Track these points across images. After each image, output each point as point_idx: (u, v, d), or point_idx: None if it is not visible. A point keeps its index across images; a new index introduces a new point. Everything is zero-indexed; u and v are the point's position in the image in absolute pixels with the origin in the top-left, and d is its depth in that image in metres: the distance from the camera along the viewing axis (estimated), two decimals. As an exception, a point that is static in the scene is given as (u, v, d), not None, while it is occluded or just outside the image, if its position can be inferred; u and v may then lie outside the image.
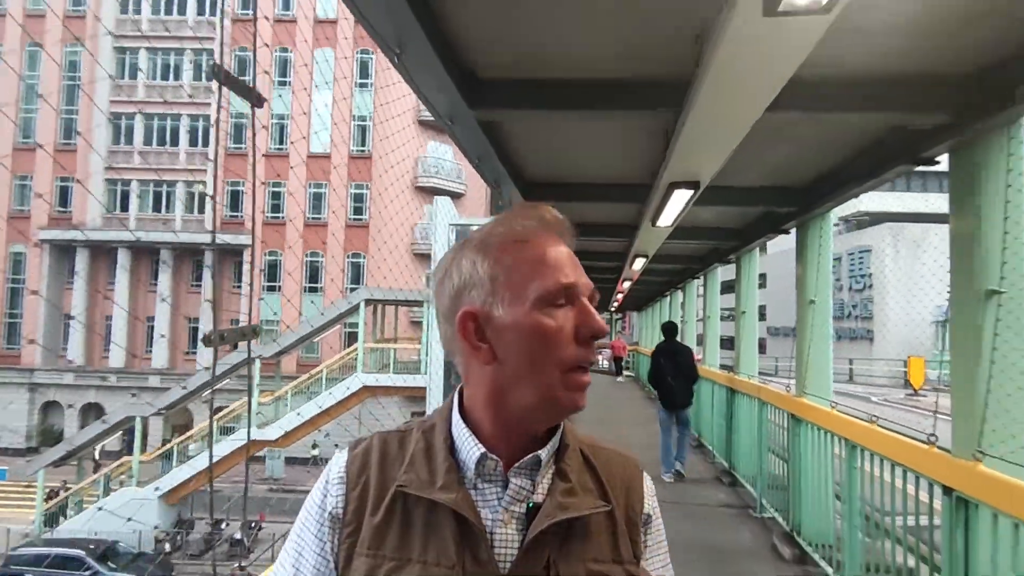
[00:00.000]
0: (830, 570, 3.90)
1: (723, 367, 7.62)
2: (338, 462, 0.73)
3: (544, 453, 0.72)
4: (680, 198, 3.96)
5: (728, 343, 8.35)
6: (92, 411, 26.11)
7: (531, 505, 0.70)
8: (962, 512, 2.40)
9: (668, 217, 4.30)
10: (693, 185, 3.47)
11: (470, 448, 0.70)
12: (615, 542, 0.72)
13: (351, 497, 0.70)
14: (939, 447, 2.47)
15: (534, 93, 2.83)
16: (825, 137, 3.47)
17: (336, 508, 0.70)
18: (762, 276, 6.79)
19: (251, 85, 2.66)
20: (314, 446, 21.93)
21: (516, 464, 0.70)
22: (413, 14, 2.15)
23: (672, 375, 5.94)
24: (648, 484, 0.79)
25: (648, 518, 0.77)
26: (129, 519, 14.31)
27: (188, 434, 18.90)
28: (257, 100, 2.49)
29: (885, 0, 2.01)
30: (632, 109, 2.93)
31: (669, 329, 6.21)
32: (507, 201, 5.17)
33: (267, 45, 24.66)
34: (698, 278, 9.15)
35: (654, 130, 3.27)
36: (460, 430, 0.72)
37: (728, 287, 8.41)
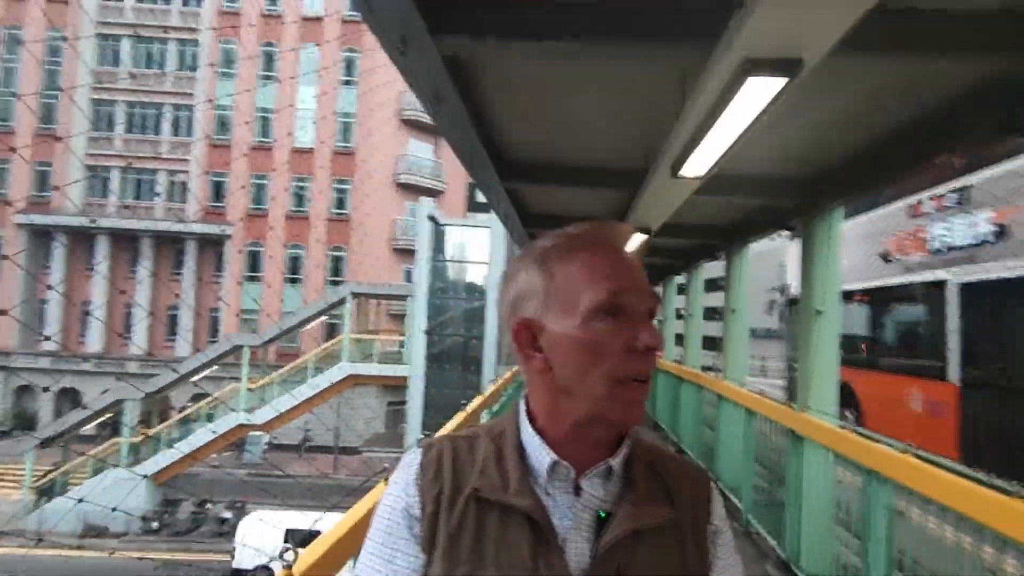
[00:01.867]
0: None
1: (706, 368, 7.02)
2: (412, 464, 0.71)
3: (616, 462, 0.69)
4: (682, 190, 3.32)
5: (708, 343, 7.75)
6: (68, 396, 24.68)
7: (603, 514, 0.67)
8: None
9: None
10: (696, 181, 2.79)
11: (541, 455, 0.68)
12: (683, 554, 0.69)
13: (427, 500, 0.67)
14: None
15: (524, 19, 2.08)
16: (872, 97, 2.51)
17: (412, 508, 0.68)
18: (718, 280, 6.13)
19: None
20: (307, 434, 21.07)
21: (588, 472, 0.68)
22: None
23: None
24: (717, 497, 0.76)
25: (717, 531, 0.73)
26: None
27: (183, 414, 18.16)
28: None
29: None
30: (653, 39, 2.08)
31: None
32: (483, 183, 4.45)
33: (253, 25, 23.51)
34: (680, 275, 8.52)
35: (667, 86, 2.50)
36: (530, 436, 0.70)
37: (710, 285, 7.80)
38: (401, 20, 1.80)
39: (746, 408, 4.76)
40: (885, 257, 6.86)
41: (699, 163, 2.45)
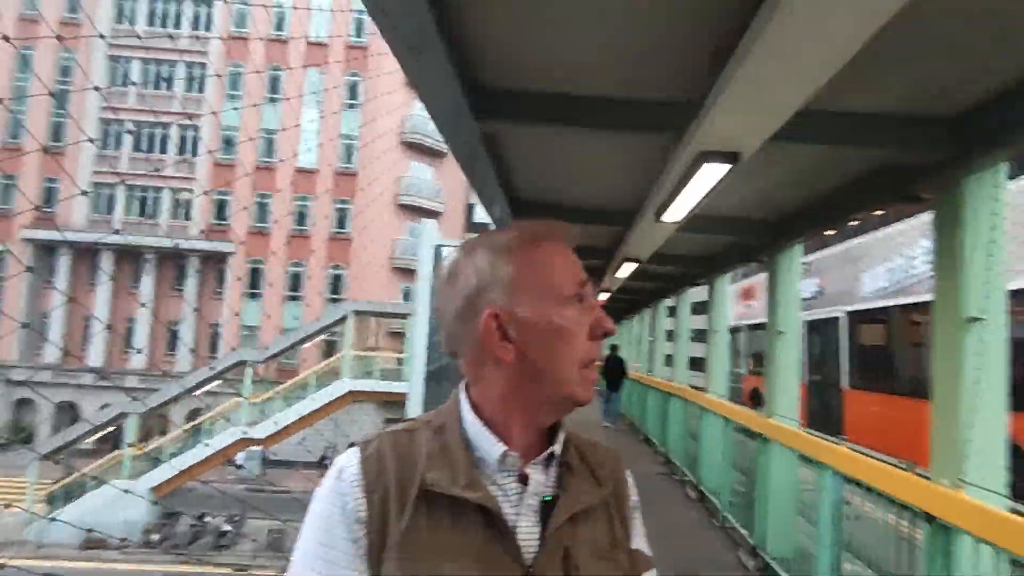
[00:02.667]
0: None
1: (699, 389, 7.66)
2: (350, 464, 0.68)
3: (557, 448, 0.72)
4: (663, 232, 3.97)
5: (695, 363, 8.38)
6: (66, 410, 24.93)
7: (547, 498, 0.69)
8: (941, 538, 2.36)
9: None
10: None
11: (490, 446, 0.69)
12: (611, 529, 0.73)
13: (372, 500, 0.65)
14: (918, 474, 2.41)
15: (539, 106, 2.75)
16: (806, 170, 3.40)
17: (358, 511, 0.65)
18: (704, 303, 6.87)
19: None
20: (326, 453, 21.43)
21: (534, 460, 0.70)
22: (432, 20, 2.07)
23: (613, 372, 10.52)
24: (630, 475, 0.81)
25: (635, 505, 0.79)
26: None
27: (185, 427, 18.56)
28: None
29: (891, 50, 2.00)
30: (630, 129, 2.82)
31: (613, 347, 10.97)
32: (498, 219, 5.10)
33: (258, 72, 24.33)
34: (669, 298, 9.21)
35: (651, 153, 3.21)
36: (477, 428, 0.70)
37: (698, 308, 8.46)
38: (455, 109, 2.45)
39: (724, 417, 5.37)
40: None
41: (676, 212, 3.10)
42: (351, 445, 0.70)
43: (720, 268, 6.09)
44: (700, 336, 8.01)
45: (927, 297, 4.95)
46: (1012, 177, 2.75)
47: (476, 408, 0.71)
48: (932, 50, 2.13)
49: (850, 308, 8.33)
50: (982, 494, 2.31)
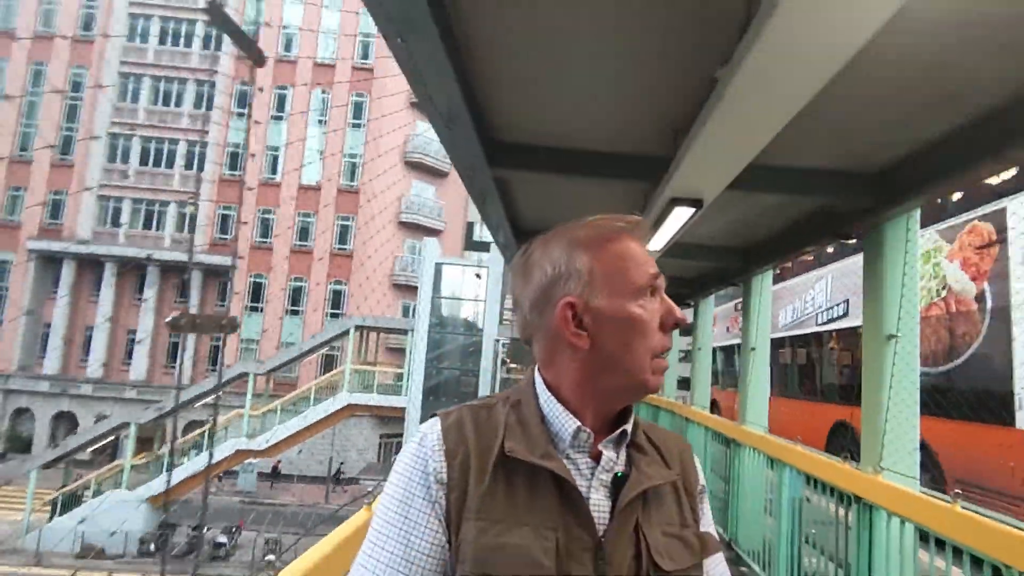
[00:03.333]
0: (759, 570, 4.40)
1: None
2: (432, 432, 0.72)
3: (629, 427, 0.76)
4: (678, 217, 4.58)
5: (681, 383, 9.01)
6: (64, 420, 25.20)
7: (619, 475, 0.73)
8: (867, 516, 2.87)
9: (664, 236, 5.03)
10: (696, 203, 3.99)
11: (564, 421, 0.72)
12: (680, 509, 0.76)
13: (453, 464, 0.69)
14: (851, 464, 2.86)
15: (542, 158, 3.36)
16: (764, 211, 4.08)
17: (440, 473, 0.69)
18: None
19: (253, 39, 3.01)
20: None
21: (607, 438, 0.74)
22: (462, 98, 2.66)
23: None
24: (698, 461, 0.84)
25: (703, 489, 0.82)
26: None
27: (186, 437, 18.99)
28: (258, 58, 2.86)
29: (824, 122, 2.59)
30: (616, 178, 3.48)
31: None
32: (502, 243, 5.68)
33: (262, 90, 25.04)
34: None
35: (634, 196, 3.85)
36: (552, 405, 0.73)
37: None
38: (474, 160, 3.03)
39: (705, 427, 5.91)
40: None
41: (655, 244, 3.69)
42: (432, 415, 0.75)
43: (702, 290, 6.68)
44: (685, 356, 8.65)
45: (808, 331, 8.28)
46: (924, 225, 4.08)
47: (552, 388, 0.75)
48: (855, 123, 2.73)
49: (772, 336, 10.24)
50: (897, 478, 2.85)
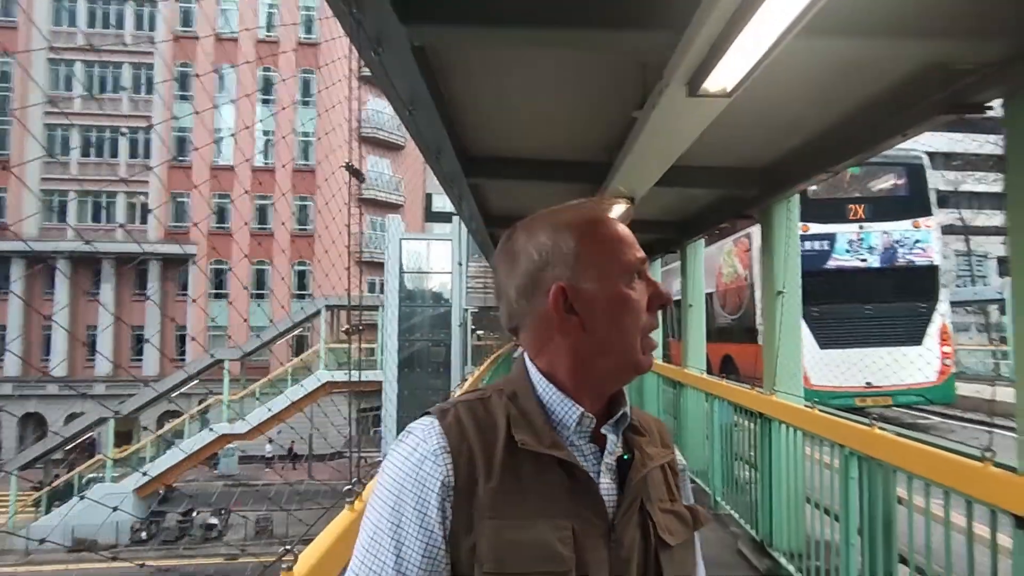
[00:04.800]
0: (702, 484, 5.38)
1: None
2: (431, 432, 0.70)
3: (628, 410, 0.77)
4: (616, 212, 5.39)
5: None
6: (31, 421, 25.13)
7: (625, 456, 0.75)
8: (767, 427, 3.89)
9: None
10: (628, 200, 4.54)
11: (567, 408, 0.73)
12: (668, 487, 0.80)
13: (459, 464, 0.68)
14: (999, 464, 2.00)
15: (508, 166, 4.15)
16: (686, 197, 4.88)
17: (448, 477, 0.67)
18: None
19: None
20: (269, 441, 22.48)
21: (608, 422, 0.75)
22: (447, 134, 3.46)
23: None
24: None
25: (684, 467, 0.85)
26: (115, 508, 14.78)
27: (170, 427, 19.46)
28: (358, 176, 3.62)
29: (723, 133, 3.49)
30: (568, 181, 4.34)
31: None
32: (473, 229, 6.51)
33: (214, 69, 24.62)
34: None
35: (581, 195, 4.61)
36: (552, 394, 0.74)
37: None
38: (454, 174, 3.84)
39: (657, 374, 6.90)
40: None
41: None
42: (424, 414, 0.74)
43: (694, 232, 6.23)
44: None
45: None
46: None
47: (547, 376, 0.75)
48: (745, 135, 3.66)
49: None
50: (787, 397, 3.90)
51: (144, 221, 26.59)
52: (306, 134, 26.63)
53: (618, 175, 3.65)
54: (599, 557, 0.68)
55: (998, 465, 2.02)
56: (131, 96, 26.74)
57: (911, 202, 9.13)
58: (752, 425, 4.28)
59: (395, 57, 2.18)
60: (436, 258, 20.99)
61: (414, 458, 0.69)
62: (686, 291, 5.94)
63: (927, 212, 9.16)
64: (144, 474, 17.12)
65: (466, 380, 7.01)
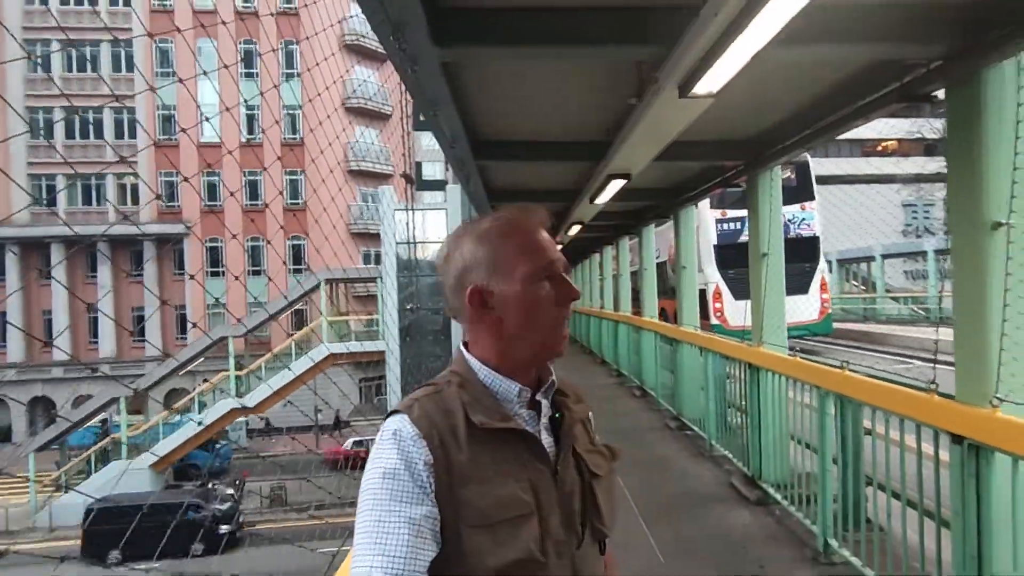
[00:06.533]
0: (699, 430, 5.88)
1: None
2: (404, 426, 0.83)
3: (555, 379, 0.95)
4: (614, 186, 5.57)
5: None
6: (40, 404, 25.61)
7: (557, 415, 0.94)
8: (755, 375, 4.35)
9: (604, 198, 5.13)
10: (625, 176, 4.32)
11: (508, 386, 0.90)
12: (588, 434, 1.00)
13: (433, 447, 0.81)
14: (941, 393, 2.39)
15: (514, 148, 4.49)
16: (672, 169, 5.24)
17: (427, 457, 0.81)
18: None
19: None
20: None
21: (542, 390, 0.93)
22: (461, 124, 3.78)
23: None
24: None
25: (591, 418, 1.04)
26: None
27: (177, 405, 19.99)
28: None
29: (712, 113, 3.84)
30: (567, 160, 4.60)
31: None
32: (476, 198, 6.84)
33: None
34: (632, 236, 10.06)
35: (580, 172, 4.99)
36: (492, 376, 0.90)
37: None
38: (464, 158, 4.18)
39: (654, 332, 7.37)
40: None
41: (601, 200, 4.96)
42: (392, 412, 0.87)
43: (686, 198, 6.61)
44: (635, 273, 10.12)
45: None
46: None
47: (483, 361, 0.91)
48: (730, 115, 4.01)
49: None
50: (772, 347, 4.37)
51: (136, 202, 26.55)
52: (292, 107, 26.40)
53: (616, 156, 4.02)
54: (550, 496, 0.86)
55: (941, 395, 2.48)
56: (112, 76, 26.28)
57: (800, 190, 12.32)
58: (742, 374, 4.76)
59: (427, 71, 2.53)
60: (431, 227, 21.24)
61: (399, 445, 0.81)
62: (679, 253, 6.36)
63: (811, 197, 12.73)
64: (155, 455, 17.72)
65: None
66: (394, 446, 0.82)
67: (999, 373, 2.26)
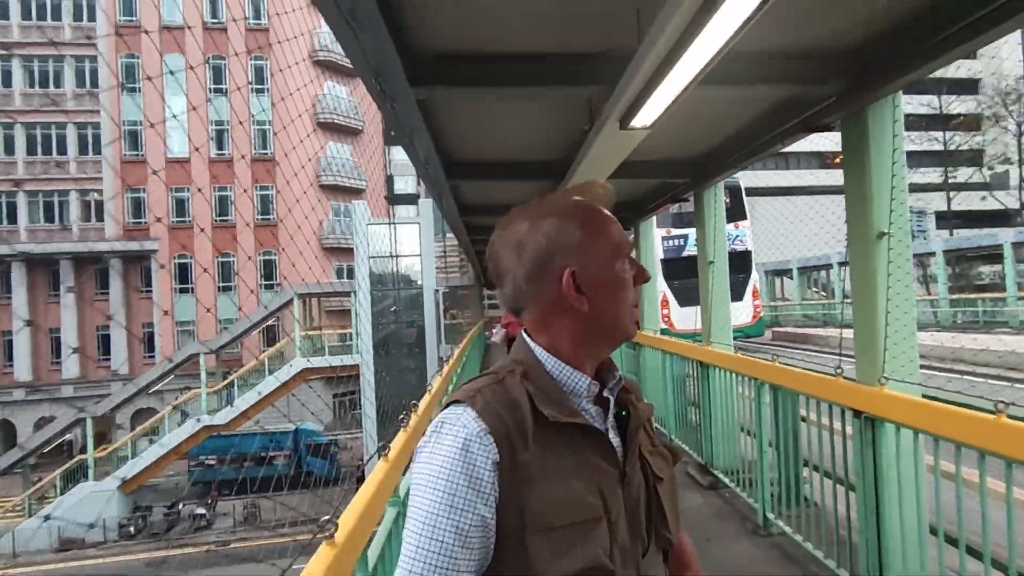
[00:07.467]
0: (740, 491, 6.17)
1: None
2: (468, 418, 0.78)
3: (620, 374, 0.91)
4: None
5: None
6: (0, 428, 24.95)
7: (624, 413, 0.89)
8: (706, 373, 4.81)
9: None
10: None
11: (577, 379, 0.85)
12: (649, 434, 0.94)
13: (501, 442, 0.76)
14: (846, 377, 2.86)
15: (482, 169, 4.90)
16: (628, 185, 5.68)
17: (495, 455, 0.76)
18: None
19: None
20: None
21: (609, 386, 0.88)
22: (432, 145, 4.16)
23: None
24: None
25: (652, 419, 0.98)
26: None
27: (145, 425, 19.69)
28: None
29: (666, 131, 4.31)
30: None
31: None
32: (446, 210, 7.20)
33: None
34: None
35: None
36: (560, 368, 0.85)
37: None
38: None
39: (662, 350, 7.75)
40: None
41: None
42: (452, 402, 0.81)
43: (646, 210, 7.11)
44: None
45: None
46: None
47: (551, 351, 0.86)
48: (672, 140, 4.50)
49: None
50: (719, 346, 4.84)
51: (100, 219, 26.23)
52: (262, 122, 26.50)
53: (576, 175, 4.46)
54: (616, 498, 0.82)
55: (846, 378, 2.95)
56: (76, 91, 26.04)
57: (733, 211, 13.81)
58: (695, 372, 5.23)
59: (404, 107, 2.93)
60: (403, 241, 21.51)
61: (459, 443, 0.76)
62: (704, 240, 6.78)
63: (743, 217, 14.77)
64: (123, 480, 17.45)
65: (445, 361, 7.28)
66: (454, 442, 0.77)
67: (885, 357, 2.73)
